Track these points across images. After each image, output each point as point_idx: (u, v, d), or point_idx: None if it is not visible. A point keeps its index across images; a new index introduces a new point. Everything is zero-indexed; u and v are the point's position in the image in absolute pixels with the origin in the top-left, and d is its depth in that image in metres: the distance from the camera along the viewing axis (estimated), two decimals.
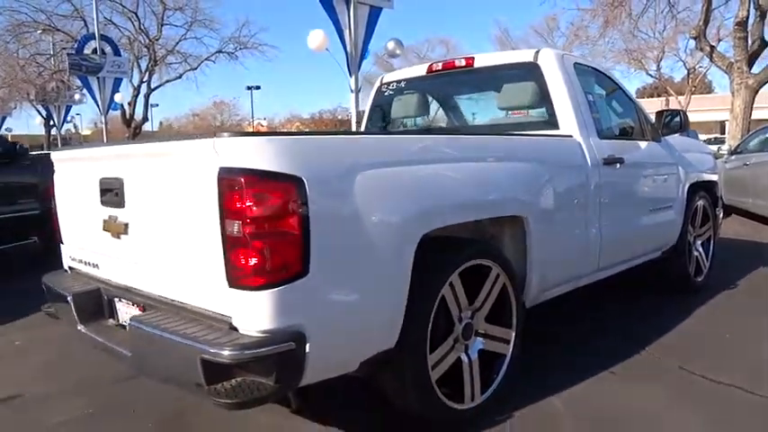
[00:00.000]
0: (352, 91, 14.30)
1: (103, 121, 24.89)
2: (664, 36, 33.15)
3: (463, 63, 3.79)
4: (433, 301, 2.30)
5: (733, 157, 9.37)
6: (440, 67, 3.94)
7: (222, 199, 1.81)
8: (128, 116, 33.20)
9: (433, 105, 4.27)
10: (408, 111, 4.15)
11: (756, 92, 13.42)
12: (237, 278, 1.83)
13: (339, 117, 58.60)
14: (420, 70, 4.13)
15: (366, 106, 4.50)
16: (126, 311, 2.46)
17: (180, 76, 35.72)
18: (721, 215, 5.35)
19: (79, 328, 2.55)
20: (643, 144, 3.95)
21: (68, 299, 2.57)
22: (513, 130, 3.46)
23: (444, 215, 2.31)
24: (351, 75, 14.24)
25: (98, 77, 21.76)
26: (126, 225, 2.28)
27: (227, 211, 1.81)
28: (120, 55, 25.87)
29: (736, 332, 3.71)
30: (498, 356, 2.67)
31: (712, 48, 14.40)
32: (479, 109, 4.21)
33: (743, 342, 3.53)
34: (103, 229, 2.43)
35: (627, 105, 4.08)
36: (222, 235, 1.83)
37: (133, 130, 33.61)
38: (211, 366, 1.82)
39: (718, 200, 5.12)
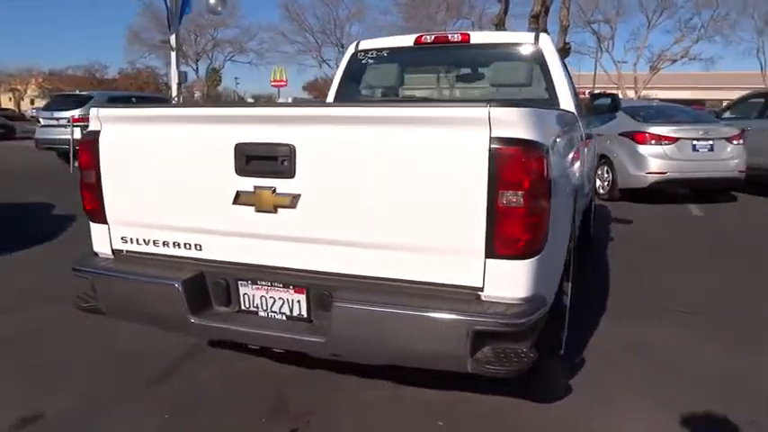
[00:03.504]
0: (172, 48, 13.09)
1: None
2: (437, 20, 36.64)
3: (458, 38, 3.95)
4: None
5: None
6: (430, 40, 4.04)
7: (495, 169, 1.78)
8: None
9: (417, 77, 4.34)
10: (388, 80, 4.16)
11: None
12: (502, 248, 1.83)
13: (97, 75, 51.69)
14: (405, 41, 4.15)
15: (337, 72, 4.35)
16: (264, 295, 2.19)
17: None
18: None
19: (192, 320, 2.18)
20: (586, 121, 4.61)
21: (176, 287, 2.17)
22: None
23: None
24: (171, 31, 13.00)
25: None
26: (294, 197, 2.02)
27: (500, 182, 1.79)
28: None
29: (664, 278, 4.57)
30: (564, 308, 3.02)
31: None
32: (471, 84, 4.41)
33: (675, 284, 4.37)
34: (236, 203, 2.10)
35: (574, 87, 4.69)
36: (489, 205, 1.81)
37: None
38: (476, 337, 1.82)
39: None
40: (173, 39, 13.06)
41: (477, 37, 3.95)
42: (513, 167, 1.79)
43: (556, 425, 2.40)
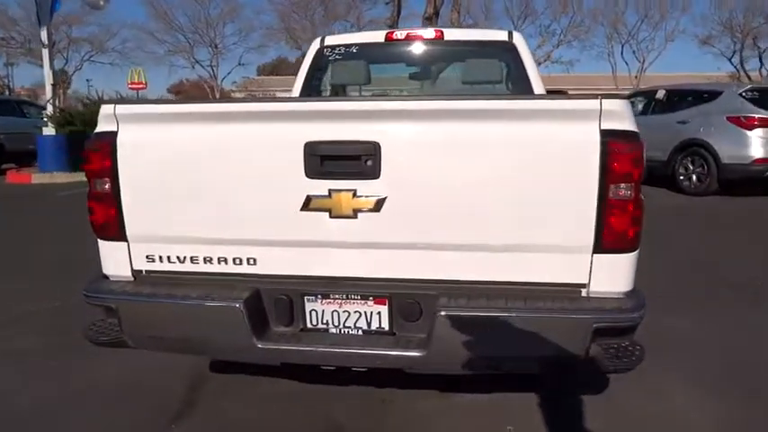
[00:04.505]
0: (44, 45, 11.73)
1: None
2: (314, 22, 36.42)
3: (432, 35, 3.90)
4: None
5: None
6: (402, 37, 3.95)
7: (607, 162, 1.75)
8: None
9: (386, 72, 4.22)
10: (357, 77, 4.01)
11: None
12: (611, 242, 1.80)
13: None
14: (374, 37, 4.05)
15: (302, 67, 4.11)
16: (336, 310, 1.99)
17: None
18: None
19: (259, 345, 1.93)
20: None
21: (238, 308, 1.90)
22: None
23: None
24: (42, 25, 11.65)
25: None
26: (379, 200, 1.84)
27: (612, 174, 1.75)
28: None
29: None
30: None
31: None
32: (444, 80, 4.35)
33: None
34: (305, 209, 1.88)
35: None
36: (600, 199, 1.77)
37: None
38: (594, 334, 1.79)
39: None
40: (44, 34, 11.71)
41: (451, 34, 3.92)
42: (624, 159, 1.76)
43: (621, 411, 2.42)
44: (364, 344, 1.96)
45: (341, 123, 1.86)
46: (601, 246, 1.81)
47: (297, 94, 4.04)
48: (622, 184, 1.77)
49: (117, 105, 1.98)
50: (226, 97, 36.26)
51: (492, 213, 1.83)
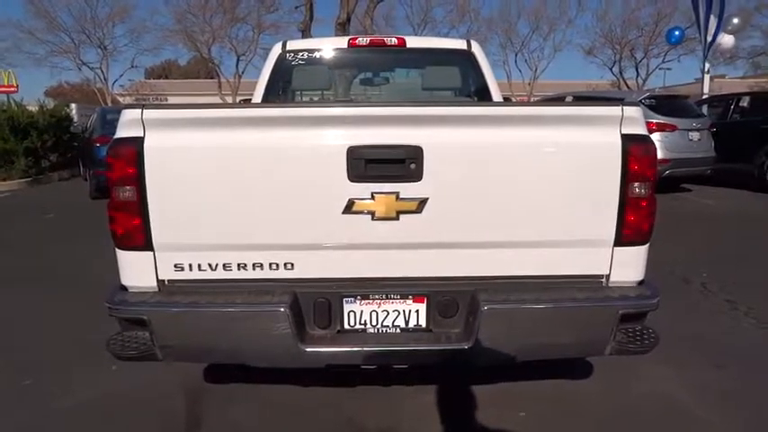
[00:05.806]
0: None
1: None
2: (212, 24, 35.27)
3: (394, 42, 4.01)
4: None
5: None
6: (365, 43, 4.03)
7: (627, 164, 1.93)
8: None
9: (348, 78, 4.26)
10: (321, 82, 4.05)
11: None
12: (630, 236, 2.00)
13: None
14: (337, 42, 4.09)
15: (263, 72, 4.05)
16: (375, 310, 2.04)
17: None
18: None
19: (308, 350, 1.96)
20: None
21: (283, 312, 1.90)
22: None
23: None
24: None
25: None
26: (421, 201, 1.92)
27: (631, 175, 1.94)
28: None
29: None
30: None
31: None
32: (405, 86, 4.43)
33: None
34: (347, 212, 1.92)
35: None
36: (621, 197, 1.96)
37: None
38: (620, 320, 1.98)
39: None
40: None
41: (413, 42, 4.05)
42: (643, 161, 1.96)
43: (612, 388, 2.65)
44: (406, 341, 2.02)
45: (385, 128, 1.91)
46: (620, 239, 2.01)
47: (259, 100, 4.00)
48: (640, 184, 1.97)
49: (144, 110, 1.91)
50: (116, 102, 34.09)
51: (525, 212, 1.97)
